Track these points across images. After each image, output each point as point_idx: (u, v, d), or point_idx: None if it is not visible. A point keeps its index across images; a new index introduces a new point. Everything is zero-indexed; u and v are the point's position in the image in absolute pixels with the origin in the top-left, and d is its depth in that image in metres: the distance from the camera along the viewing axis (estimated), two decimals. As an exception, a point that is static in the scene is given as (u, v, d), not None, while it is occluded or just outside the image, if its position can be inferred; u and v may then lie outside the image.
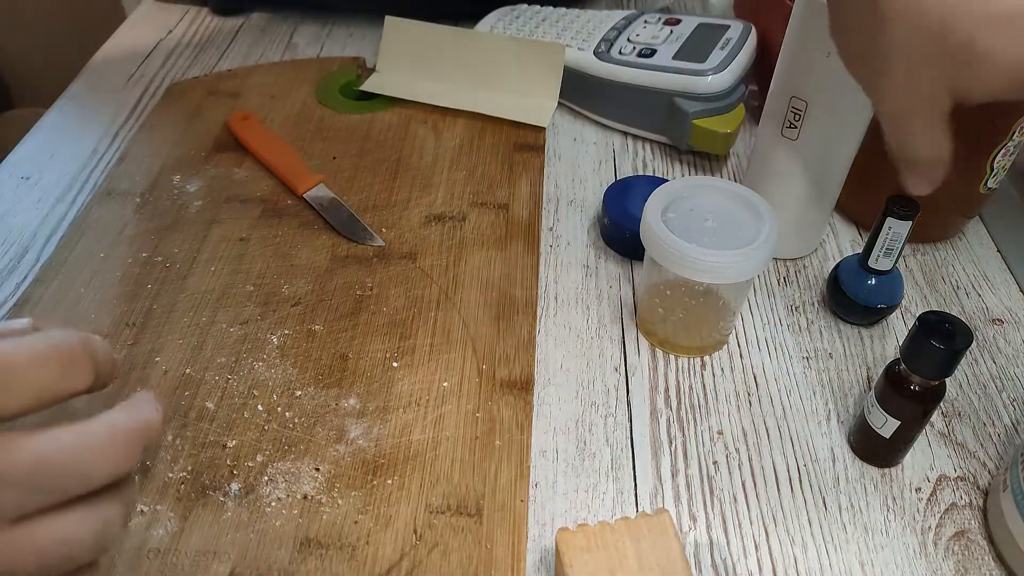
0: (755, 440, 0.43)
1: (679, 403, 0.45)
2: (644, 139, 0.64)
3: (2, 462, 0.23)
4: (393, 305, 0.49)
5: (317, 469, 0.40)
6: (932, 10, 0.30)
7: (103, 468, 0.25)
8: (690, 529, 0.39)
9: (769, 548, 0.39)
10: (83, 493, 0.25)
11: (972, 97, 0.31)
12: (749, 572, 0.38)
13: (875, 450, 0.42)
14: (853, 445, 0.43)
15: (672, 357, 0.48)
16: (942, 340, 0.36)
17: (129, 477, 0.27)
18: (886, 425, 0.40)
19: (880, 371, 0.47)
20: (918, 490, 0.41)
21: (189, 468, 0.40)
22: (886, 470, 0.42)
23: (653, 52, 0.62)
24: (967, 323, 0.36)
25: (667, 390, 0.46)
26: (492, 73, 0.65)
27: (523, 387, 0.44)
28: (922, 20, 0.30)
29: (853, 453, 0.43)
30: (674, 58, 0.61)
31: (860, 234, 0.57)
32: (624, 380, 0.46)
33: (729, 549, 0.39)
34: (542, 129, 0.63)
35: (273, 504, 0.39)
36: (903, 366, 0.38)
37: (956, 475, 0.42)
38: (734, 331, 0.49)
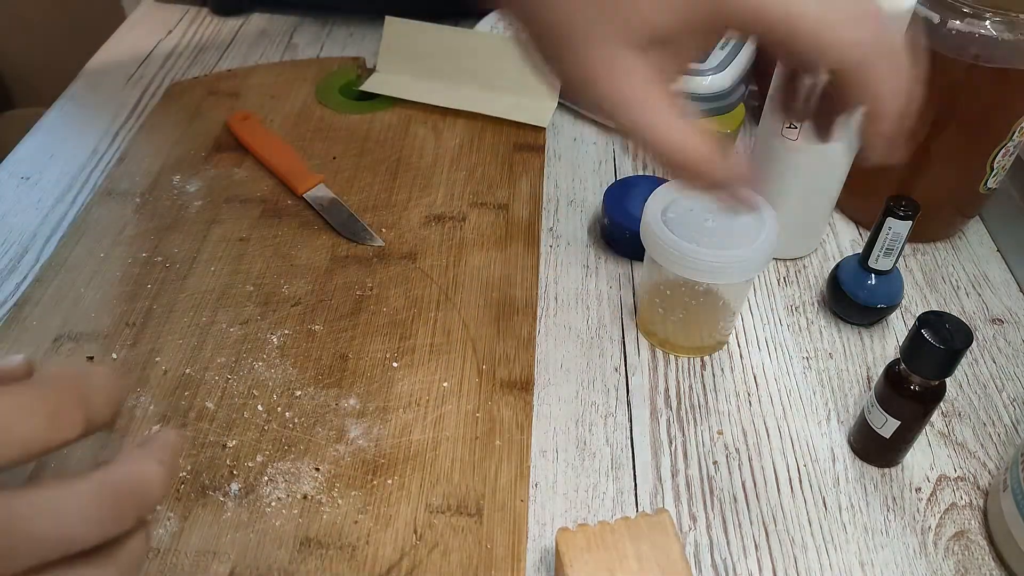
0: (755, 440, 0.43)
1: (679, 403, 0.45)
2: (644, 139, 0.64)
3: None
4: (393, 305, 0.49)
5: (317, 469, 0.40)
6: None
7: (86, 533, 0.23)
8: (690, 529, 0.39)
9: (769, 548, 0.39)
10: (67, 556, 0.23)
11: (660, 31, 0.30)
12: (749, 572, 0.38)
13: (875, 450, 0.42)
14: (853, 445, 0.43)
15: (672, 357, 0.48)
16: (942, 340, 0.36)
17: (131, 538, 0.25)
18: (886, 425, 0.40)
19: (880, 371, 0.47)
20: (918, 490, 0.41)
21: (189, 468, 0.40)
22: (886, 470, 0.42)
23: (653, 52, 0.62)
24: (967, 323, 0.36)
25: (667, 390, 0.46)
26: (492, 73, 0.65)
27: (523, 387, 0.44)
28: None
29: (853, 453, 0.43)
30: (674, 58, 0.61)
31: (860, 234, 0.57)
32: (624, 380, 0.46)
33: (729, 549, 0.39)
34: (542, 129, 0.63)
35: (273, 504, 0.39)
36: (903, 366, 0.38)
37: (956, 475, 0.42)
38: (734, 331, 0.49)
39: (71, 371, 0.25)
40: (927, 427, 0.44)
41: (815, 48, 0.28)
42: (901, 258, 0.53)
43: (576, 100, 0.32)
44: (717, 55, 0.60)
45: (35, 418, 0.23)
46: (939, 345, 0.36)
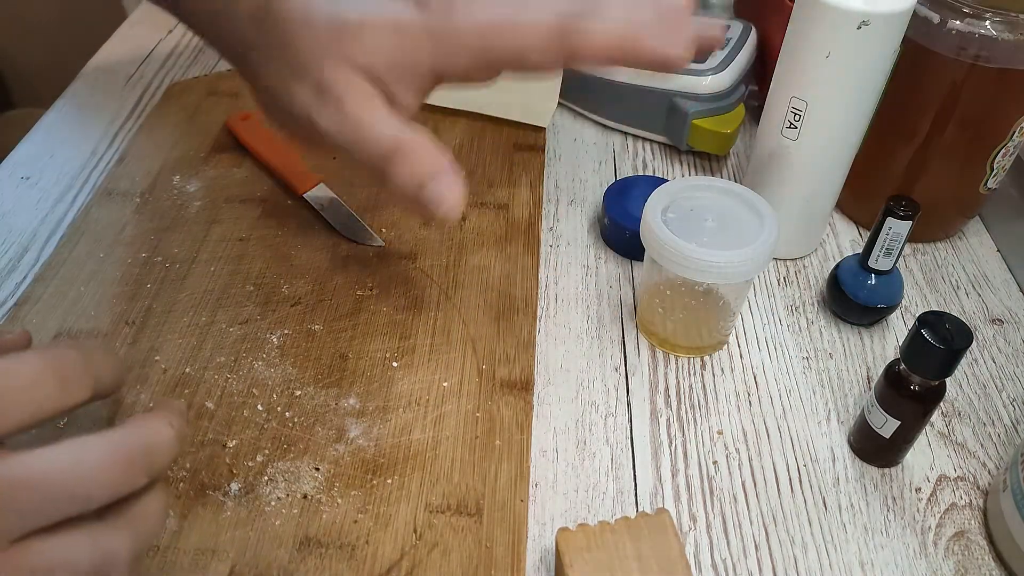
0: (755, 440, 0.43)
1: (679, 403, 0.45)
2: (644, 139, 0.64)
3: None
4: (393, 305, 0.49)
5: (317, 468, 0.40)
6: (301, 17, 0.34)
7: (99, 489, 0.24)
8: (690, 529, 0.39)
9: (769, 548, 0.39)
10: (83, 513, 0.24)
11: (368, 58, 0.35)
12: (749, 572, 0.38)
13: (875, 450, 0.42)
14: (853, 445, 0.43)
15: (672, 357, 0.48)
16: (942, 340, 0.36)
17: (147, 502, 0.26)
18: (886, 425, 0.40)
19: (880, 371, 0.47)
20: (918, 490, 0.41)
21: (188, 467, 0.40)
22: (886, 470, 0.42)
23: (653, 52, 0.62)
24: (967, 323, 0.36)
25: (667, 390, 0.46)
26: (492, 73, 0.65)
27: (523, 387, 0.44)
28: (298, 28, 0.35)
29: (853, 453, 0.43)
30: (674, 58, 0.61)
31: (860, 234, 0.57)
32: (624, 380, 0.46)
33: (729, 549, 0.39)
34: (542, 129, 0.63)
35: (273, 503, 0.39)
36: (903, 366, 0.38)
37: (956, 475, 0.42)
38: (734, 331, 0.49)
39: (75, 344, 0.27)
40: (927, 427, 0.44)
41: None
42: (901, 258, 0.53)
43: (303, 132, 0.36)
44: (717, 55, 0.60)
45: (47, 381, 0.25)
46: (939, 345, 0.36)
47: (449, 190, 0.34)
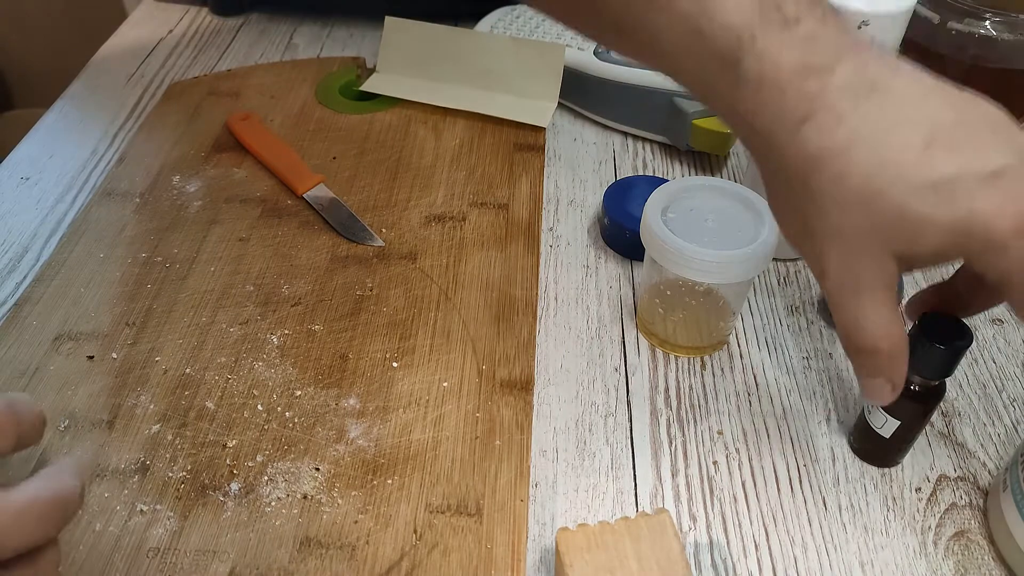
0: (755, 440, 0.43)
1: (679, 403, 0.45)
2: (644, 139, 0.64)
3: None
4: (393, 305, 0.49)
5: (317, 469, 0.40)
6: (860, 182, 0.29)
7: (15, 540, 0.24)
8: (690, 529, 0.39)
9: (769, 548, 0.39)
10: None
11: (916, 260, 0.30)
12: (749, 572, 0.38)
13: (875, 450, 0.42)
14: (853, 445, 0.43)
15: (672, 357, 0.48)
16: (942, 340, 0.36)
17: (49, 548, 0.26)
18: (886, 425, 0.40)
19: (880, 371, 0.47)
20: (918, 490, 0.41)
21: (189, 467, 0.40)
22: (886, 470, 0.42)
23: (653, 52, 0.62)
24: (967, 323, 0.36)
25: (667, 390, 0.46)
26: (492, 73, 0.65)
27: (523, 387, 0.44)
28: (851, 194, 0.29)
29: (853, 453, 0.43)
30: (674, 58, 0.61)
31: (860, 234, 0.57)
32: (624, 380, 0.46)
33: (729, 549, 0.39)
34: (542, 129, 0.63)
35: (273, 504, 0.39)
36: None
37: (956, 475, 0.42)
38: (734, 331, 0.49)
39: None
40: (927, 427, 0.44)
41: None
42: (901, 258, 0.53)
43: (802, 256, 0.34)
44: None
45: None
46: (939, 345, 0.36)
47: (883, 395, 0.33)
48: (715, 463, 0.42)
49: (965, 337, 0.36)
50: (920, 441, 0.43)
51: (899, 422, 0.39)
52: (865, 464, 0.42)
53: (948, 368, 0.37)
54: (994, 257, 0.28)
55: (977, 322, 0.50)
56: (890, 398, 0.33)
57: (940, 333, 0.36)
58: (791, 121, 0.30)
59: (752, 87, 0.30)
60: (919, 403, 0.38)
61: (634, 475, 0.42)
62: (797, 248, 0.34)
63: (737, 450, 0.43)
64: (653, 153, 0.63)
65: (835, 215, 0.30)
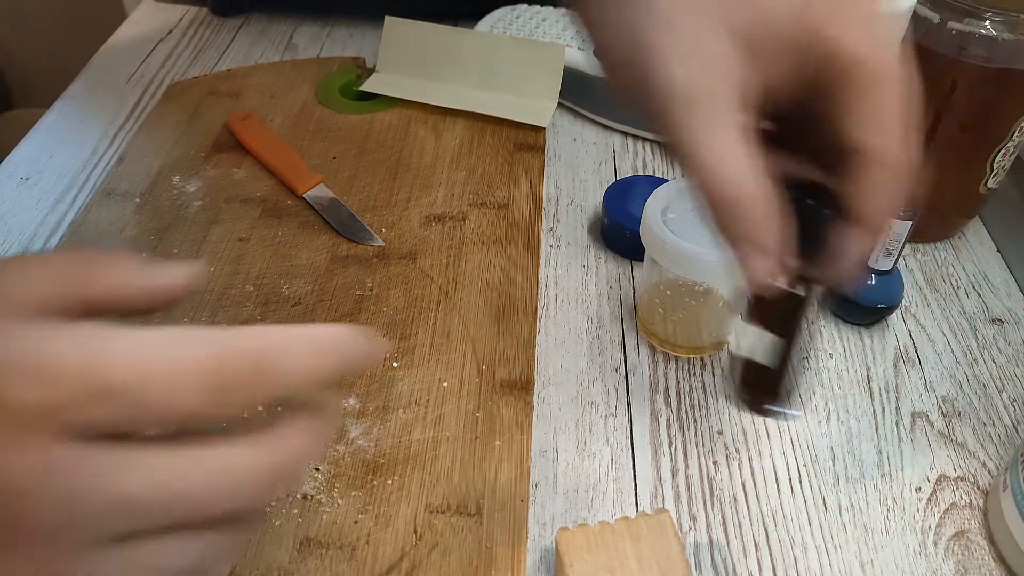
0: (755, 440, 0.43)
1: (679, 403, 0.45)
2: (644, 139, 0.64)
3: (115, 482, 0.20)
4: (393, 305, 0.49)
5: (317, 469, 0.40)
6: None
7: (224, 505, 0.21)
8: (690, 529, 0.39)
9: (769, 548, 0.39)
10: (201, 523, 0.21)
11: (767, 48, 0.27)
12: (749, 572, 0.38)
13: (755, 384, 0.34)
14: (738, 392, 0.37)
15: (672, 357, 0.48)
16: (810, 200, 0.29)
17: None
18: (753, 342, 0.33)
19: (880, 371, 0.47)
20: (918, 490, 0.41)
21: (189, 468, 0.40)
22: (886, 470, 0.42)
23: (653, 52, 0.62)
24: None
25: (667, 390, 0.46)
26: (492, 73, 0.65)
27: (523, 387, 0.44)
28: None
29: (742, 405, 0.40)
30: (674, 58, 0.61)
31: (860, 234, 0.57)
32: (624, 380, 0.46)
33: (729, 549, 0.39)
34: (542, 129, 0.63)
35: (273, 504, 0.39)
36: None
37: (956, 475, 0.42)
38: (734, 331, 0.49)
39: (252, 340, 0.21)
40: (927, 427, 0.44)
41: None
42: (901, 258, 0.53)
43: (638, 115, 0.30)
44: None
45: (189, 389, 0.20)
46: (809, 201, 0.29)
47: (756, 267, 0.28)
48: (715, 463, 0.42)
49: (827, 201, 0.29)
50: (920, 441, 0.43)
51: (771, 334, 0.32)
52: (865, 464, 0.42)
53: (821, 245, 0.29)
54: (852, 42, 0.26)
55: (977, 322, 0.50)
56: (767, 271, 0.28)
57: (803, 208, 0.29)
58: None
59: None
60: (792, 298, 0.31)
61: (634, 475, 0.42)
62: (635, 94, 0.29)
63: (737, 450, 0.43)
64: (653, 153, 0.63)
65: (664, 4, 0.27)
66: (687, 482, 0.41)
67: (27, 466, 0.19)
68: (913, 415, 0.45)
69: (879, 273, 0.47)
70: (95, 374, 0.19)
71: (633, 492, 0.41)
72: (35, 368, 0.19)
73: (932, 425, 0.44)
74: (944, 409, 0.45)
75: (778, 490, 0.41)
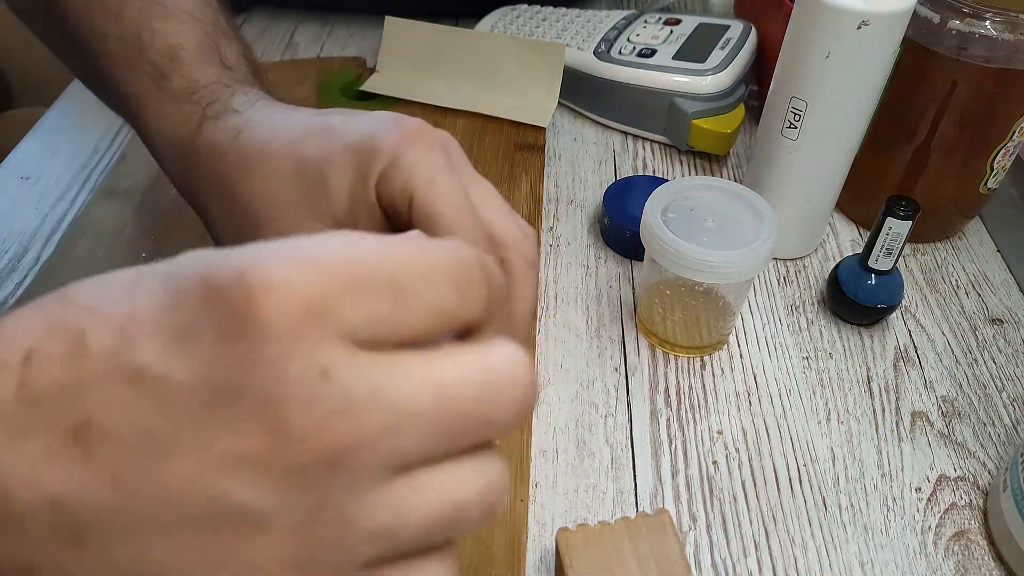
0: (755, 440, 0.43)
1: (679, 403, 0.45)
2: (644, 139, 0.64)
3: (400, 391, 0.17)
4: (393, 305, 0.49)
5: (317, 469, 0.40)
6: (262, 142, 0.31)
7: (509, 411, 0.18)
8: (690, 529, 0.39)
9: (769, 548, 0.39)
10: (477, 443, 0.18)
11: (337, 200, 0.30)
12: (749, 572, 0.38)
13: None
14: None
15: (672, 357, 0.48)
16: None
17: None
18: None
19: (880, 371, 0.47)
20: (918, 490, 0.41)
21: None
22: (886, 470, 0.42)
23: (653, 52, 0.62)
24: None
25: (667, 390, 0.46)
26: (492, 73, 0.65)
27: (523, 387, 0.44)
28: (269, 155, 0.31)
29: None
30: (674, 58, 0.61)
31: (860, 234, 0.57)
32: (624, 380, 0.46)
33: (729, 549, 0.39)
34: (542, 129, 0.63)
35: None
36: None
37: (956, 475, 0.42)
38: (734, 331, 0.49)
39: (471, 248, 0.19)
40: (927, 427, 0.44)
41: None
42: (901, 258, 0.53)
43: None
44: (717, 55, 0.60)
45: (446, 282, 0.18)
46: None
47: None
48: (715, 463, 0.42)
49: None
50: (920, 441, 0.44)
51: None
52: (865, 464, 0.42)
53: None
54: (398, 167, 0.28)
55: (977, 322, 0.51)
56: None
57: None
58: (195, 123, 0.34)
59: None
60: None
61: (634, 475, 0.42)
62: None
63: (737, 450, 0.43)
64: (653, 153, 0.63)
65: (258, 179, 0.31)
66: (687, 482, 0.41)
67: (300, 370, 0.16)
68: (913, 415, 0.45)
69: (879, 273, 0.47)
70: (359, 270, 0.17)
71: (633, 492, 0.41)
72: (300, 260, 0.17)
73: (932, 425, 0.44)
74: (944, 409, 0.45)
75: (778, 490, 0.41)
